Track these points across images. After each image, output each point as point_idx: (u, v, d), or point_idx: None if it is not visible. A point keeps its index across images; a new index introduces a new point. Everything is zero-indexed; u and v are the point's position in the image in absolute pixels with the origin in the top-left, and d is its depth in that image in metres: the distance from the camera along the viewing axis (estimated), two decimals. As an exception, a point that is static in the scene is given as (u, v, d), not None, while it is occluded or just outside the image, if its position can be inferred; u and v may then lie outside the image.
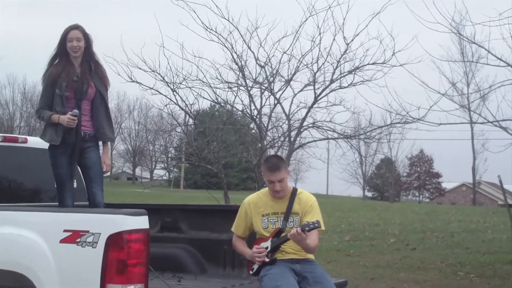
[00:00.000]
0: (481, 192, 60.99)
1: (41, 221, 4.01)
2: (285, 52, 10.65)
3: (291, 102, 10.94)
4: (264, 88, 10.96)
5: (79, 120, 5.14)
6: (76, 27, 5.29)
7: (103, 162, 5.39)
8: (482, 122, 10.63)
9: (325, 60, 10.60)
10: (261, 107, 11.04)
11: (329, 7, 10.35)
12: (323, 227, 4.66)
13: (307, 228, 4.50)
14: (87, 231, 3.68)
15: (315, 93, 10.76)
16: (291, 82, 10.92)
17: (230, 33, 10.50)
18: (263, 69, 10.78)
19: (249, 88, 10.85)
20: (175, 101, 10.73)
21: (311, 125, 11.12)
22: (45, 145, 5.32)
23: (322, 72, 10.76)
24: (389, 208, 30.54)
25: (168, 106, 11.02)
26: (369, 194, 67.39)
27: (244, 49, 10.63)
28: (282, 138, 11.54)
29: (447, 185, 67.01)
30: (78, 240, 3.69)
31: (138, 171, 70.08)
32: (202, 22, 10.38)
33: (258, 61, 10.70)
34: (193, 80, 10.58)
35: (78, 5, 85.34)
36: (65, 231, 3.76)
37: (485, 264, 11.17)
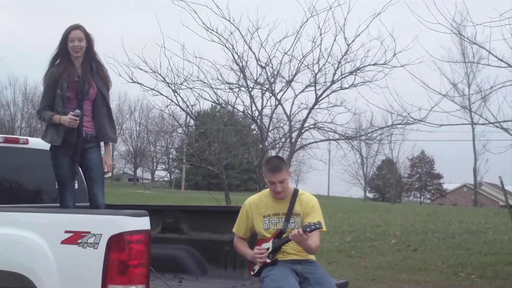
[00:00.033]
0: (482, 193, 60.98)
1: (42, 222, 4.01)
2: (286, 53, 10.65)
3: (292, 103, 10.95)
4: (265, 89, 10.94)
5: (80, 120, 5.12)
6: (77, 27, 5.27)
7: (105, 163, 5.37)
8: (483, 123, 10.62)
9: (326, 61, 10.60)
10: (262, 108, 11.04)
11: (330, 8, 10.33)
12: (324, 228, 4.65)
13: (308, 229, 4.50)
14: (89, 232, 3.68)
15: (316, 94, 10.74)
16: (292, 83, 10.93)
17: (231, 33, 10.51)
18: (264, 69, 10.78)
19: (250, 89, 10.84)
20: (176, 102, 10.73)
21: (312, 126, 11.11)
22: (46, 146, 5.30)
23: (323, 73, 10.77)
24: (390, 209, 30.57)
25: (169, 107, 10.99)
26: (370, 195, 67.45)
27: (245, 50, 10.63)
28: (283, 139, 11.53)
29: (448, 186, 67.07)
30: (80, 241, 3.69)
31: (139, 172, 70.19)
32: (203, 23, 10.39)
33: (259, 62, 10.69)
34: (194, 81, 10.57)
35: (78, 5, 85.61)
36: (66, 232, 3.76)
37: (486, 265, 11.16)
